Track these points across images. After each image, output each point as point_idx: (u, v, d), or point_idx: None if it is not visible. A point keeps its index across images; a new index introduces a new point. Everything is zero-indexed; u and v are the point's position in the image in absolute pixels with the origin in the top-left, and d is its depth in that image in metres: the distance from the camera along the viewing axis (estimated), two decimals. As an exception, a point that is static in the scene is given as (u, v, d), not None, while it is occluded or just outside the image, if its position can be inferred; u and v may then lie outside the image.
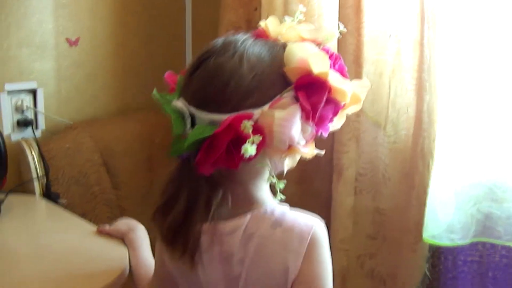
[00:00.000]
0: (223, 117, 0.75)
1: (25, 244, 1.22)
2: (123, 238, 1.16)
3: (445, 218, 1.46)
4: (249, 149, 0.72)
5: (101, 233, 1.20)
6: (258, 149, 0.73)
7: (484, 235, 1.49)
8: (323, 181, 1.49)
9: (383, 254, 1.56)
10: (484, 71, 1.41)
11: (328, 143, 1.51)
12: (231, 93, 0.77)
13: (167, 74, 0.89)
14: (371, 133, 1.48)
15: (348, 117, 0.88)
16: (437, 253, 1.66)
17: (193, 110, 0.78)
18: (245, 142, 0.72)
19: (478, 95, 1.43)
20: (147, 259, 1.11)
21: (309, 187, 1.58)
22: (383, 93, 1.45)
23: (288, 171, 0.85)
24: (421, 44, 1.40)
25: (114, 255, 1.12)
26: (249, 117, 0.74)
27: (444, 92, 1.43)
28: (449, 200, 1.46)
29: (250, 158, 0.73)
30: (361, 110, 1.43)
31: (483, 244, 1.61)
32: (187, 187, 0.82)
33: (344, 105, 0.81)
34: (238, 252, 0.82)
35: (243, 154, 0.72)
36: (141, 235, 1.16)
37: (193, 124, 0.79)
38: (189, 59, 1.95)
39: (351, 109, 0.85)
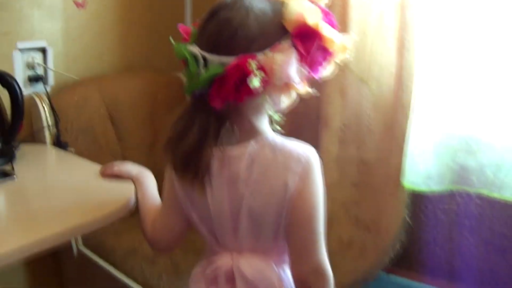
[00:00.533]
0: (232, 59, 0.90)
1: (39, 183, 1.37)
2: (131, 178, 1.28)
3: (423, 167, 1.61)
4: (254, 81, 0.87)
5: (108, 174, 1.32)
6: (262, 85, 0.88)
7: (458, 184, 1.63)
8: (311, 132, 1.63)
9: (366, 201, 1.71)
10: (461, 29, 1.53)
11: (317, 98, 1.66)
12: (239, 39, 0.90)
13: (180, 26, 1.02)
14: (355, 88, 1.62)
15: (333, 72, 1.02)
16: (417, 203, 1.81)
17: (206, 54, 0.92)
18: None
19: (455, 52, 1.55)
20: (155, 195, 1.23)
21: (298, 137, 1.73)
22: (366, 52, 1.58)
23: (280, 124, 1.02)
24: (403, 6, 1.53)
25: (121, 188, 1.25)
26: (253, 58, 0.89)
27: (423, 50, 1.56)
28: (428, 150, 1.60)
29: (254, 93, 0.89)
30: (346, 66, 1.58)
31: (460, 194, 1.75)
32: (198, 119, 0.95)
33: (332, 52, 0.95)
34: (243, 174, 0.96)
35: (248, 89, 0.87)
36: (149, 176, 1.29)
37: (205, 66, 0.94)
38: (188, 21, 2.07)
39: (339, 57, 0.98)
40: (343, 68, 1.53)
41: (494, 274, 1.78)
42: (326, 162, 1.65)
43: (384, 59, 1.60)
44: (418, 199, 1.80)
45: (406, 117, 1.59)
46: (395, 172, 1.63)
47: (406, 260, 1.86)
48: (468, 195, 1.73)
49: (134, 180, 1.26)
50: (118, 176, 1.30)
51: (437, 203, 1.79)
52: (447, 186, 1.64)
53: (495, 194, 1.57)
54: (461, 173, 1.61)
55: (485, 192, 1.60)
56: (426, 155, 1.60)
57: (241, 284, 1.01)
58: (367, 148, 1.68)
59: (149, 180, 1.27)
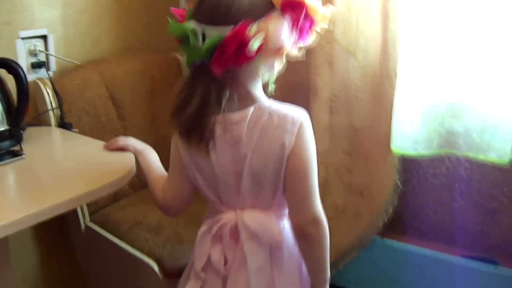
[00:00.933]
0: (230, 28, 1.00)
1: (46, 160, 1.46)
2: (135, 152, 1.37)
3: (411, 132, 1.69)
4: (255, 44, 0.97)
5: (112, 148, 1.40)
6: (258, 50, 0.99)
7: (446, 147, 1.71)
8: (302, 103, 1.70)
9: (358, 167, 1.80)
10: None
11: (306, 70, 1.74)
12: (235, 11, 1.01)
13: (173, 9, 1.12)
14: (343, 59, 1.70)
15: (321, 44, 1.12)
16: (408, 169, 1.90)
17: (204, 27, 1.03)
18: (247, 44, 0.98)
19: (437, 21, 1.62)
20: (160, 166, 1.33)
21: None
22: (352, 24, 1.66)
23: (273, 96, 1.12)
24: (385, -21, 1.61)
25: (123, 159, 1.35)
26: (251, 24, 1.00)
27: (407, 20, 1.64)
28: (415, 116, 1.69)
29: (252, 57, 0.99)
30: (333, 38, 1.66)
31: (449, 158, 1.84)
32: (200, 88, 1.05)
33: (316, 21, 1.06)
34: (245, 137, 1.07)
35: (246, 54, 0.98)
36: (152, 150, 1.38)
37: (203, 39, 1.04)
38: (183, 2, 2.14)
39: (320, 25, 1.08)
40: (330, 41, 1.61)
41: (484, 235, 1.87)
42: (318, 130, 1.73)
43: (369, 30, 1.68)
44: (409, 164, 1.89)
45: (392, 85, 1.67)
46: (385, 138, 1.72)
47: (399, 224, 1.95)
48: (457, 159, 1.82)
49: (138, 153, 1.35)
50: (123, 150, 1.39)
51: (427, 167, 1.88)
52: (434, 150, 1.72)
53: (481, 156, 1.65)
54: (448, 137, 1.70)
55: (471, 155, 1.68)
56: (413, 121, 1.68)
57: (246, 237, 1.12)
58: (356, 117, 1.77)
59: (153, 154, 1.36)
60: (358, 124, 1.78)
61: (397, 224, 1.94)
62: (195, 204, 1.77)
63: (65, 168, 1.39)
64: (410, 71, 1.66)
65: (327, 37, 1.65)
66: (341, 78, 1.71)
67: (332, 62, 1.71)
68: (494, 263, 1.83)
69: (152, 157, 1.35)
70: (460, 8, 1.59)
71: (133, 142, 1.40)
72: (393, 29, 1.63)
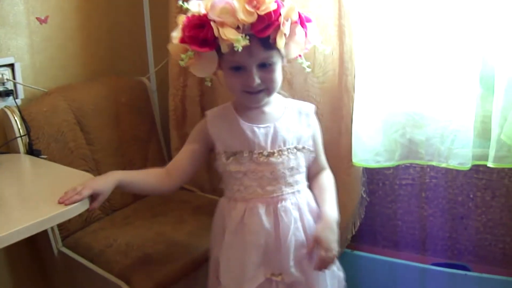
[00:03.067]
0: None
1: (14, 186, 1.55)
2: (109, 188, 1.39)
3: (371, 144, 1.80)
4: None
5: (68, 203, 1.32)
6: None
7: (408, 157, 1.82)
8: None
9: (323, 181, 1.91)
10: (396, 11, 1.72)
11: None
12: None
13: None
14: (302, 76, 1.83)
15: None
16: (375, 180, 2.02)
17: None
18: None
19: (393, 33, 1.73)
20: (136, 171, 1.50)
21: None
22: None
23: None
24: (339, -5, 1.74)
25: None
26: None
27: (363, 34, 1.76)
28: (376, 128, 1.80)
29: None
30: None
31: (414, 167, 1.95)
32: None
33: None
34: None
35: None
36: (115, 172, 1.45)
37: None
38: (148, 25, 2.25)
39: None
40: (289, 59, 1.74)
41: (454, 241, 1.98)
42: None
43: (326, 45, 1.75)
44: (374, 176, 2.01)
45: (350, 98, 1.80)
46: (347, 152, 1.83)
47: (370, 235, 2.06)
48: (422, 167, 1.94)
49: (111, 186, 1.39)
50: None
51: (393, 178, 2.00)
52: (397, 161, 1.83)
53: (443, 164, 1.75)
54: (409, 147, 1.80)
55: (434, 163, 1.78)
56: (374, 133, 1.80)
57: None
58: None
59: (120, 173, 1.45)
60: (320, 140, 1.88)
61: (366, 236, 2.05)
62: (161, 225, 1.91)
63: (33, 193, 1.48)
64: (368, 84, 1.78)
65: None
66: (301, 94, 1.83)
67: (291, 80, 1.85)
68: (465, 268, 1.95)
69: (123, 174, 1.44)
70: (415, 17, 1.70)
71: (94, 183, 1.38)
72: (349, 44, 1.76)
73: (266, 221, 1.40)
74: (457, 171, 1.85)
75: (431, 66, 1.73)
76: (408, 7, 1.71)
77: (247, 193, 1.43)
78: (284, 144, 1.43)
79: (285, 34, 1.31)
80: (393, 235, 2.07)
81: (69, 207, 1.29)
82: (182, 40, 1.33)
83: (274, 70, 1.37)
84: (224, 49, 1.30)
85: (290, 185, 1.44)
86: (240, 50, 1.26)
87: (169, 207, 2.05)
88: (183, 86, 2.11)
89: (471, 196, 1.92)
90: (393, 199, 2.03)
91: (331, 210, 1.45)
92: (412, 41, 1.73)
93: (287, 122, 1.45)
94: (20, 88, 1.96)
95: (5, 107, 1.87)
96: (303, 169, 1.48)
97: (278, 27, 1.30)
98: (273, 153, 1.41)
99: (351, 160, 1.84)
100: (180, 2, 1.35)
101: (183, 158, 1.49)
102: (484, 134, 1.74)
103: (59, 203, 1.31)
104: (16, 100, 1.93)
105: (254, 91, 1.38)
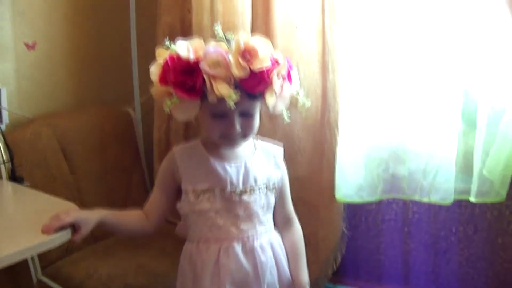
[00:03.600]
0: None
1: None
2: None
3: (354, 179, 1.83)
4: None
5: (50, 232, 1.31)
6: None
7: (390, 192, 1.86)
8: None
9: (304, 217, 1.88)
10: (380, 48, 1.77)
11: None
12: None
13: None
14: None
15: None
16: (357, 215, 2.04)
17: None
18: None
19: (376, 71, 1.78)
20: (115, 212, 1.44)
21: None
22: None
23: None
24: (323, 32, 1.78)
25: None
26: None
27: (345, 71, 1.80)
28: (357, 163, 1.83)
29: None
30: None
31: (397, 203, 1.99)
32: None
33: None
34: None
35: None
36: (100, 211, 1.43)
37: None
38: (134, 56, 2.28)
39: None
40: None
41: (437, 275, 2.01)
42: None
43: (310, 82, 1.84)
44: (357, 211, 2.04)
45: (333, 134, 1.83)
46: (328, 187, 1.86)
47: (352, 269, 2.08)
48: (405, 202, 1.97)
49: (97, 221, 1.37)
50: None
51: (376, 213, 2.03)
52: (379, 196, 1.86)
53: (425, 199, 1.80)
54: (392, 182, 1.84)
55: (416, 198, 1.82)
56: (356, 168, 1.83)
57: None
58: (299, 167, 1.91)
59: (105, 212, 1.42)
60: (301, 174, 1.90)
61: (349, 270, 2.07)
62: (143, 257, 1.91)
63: (13, 222, 1.48)
64: (351, 120, 1.82)
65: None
66: (283, 129, 1.86)
67: (273, 115, 1.87)
68: (448, 302, 1.96)
69: (105, 214, 1.41)
70: (398, 53, 1.76)
71: (77, 213, 1.38)
72: (332, 80, 1.80)
73: (244, 260, 1.39)
74: (440, 206, 1.87)
75: (413, 101, 1.77)
76: (391, 43, 1.77)
77: (221, 233, 1.39)
78: (256, 183, 1.41)
79: (275, 92, 1.32)
80: (376, 269, 2.09)
81: (51, 236, 1.30)
82: (164, 80, 1.30)
83: (254, 118, 1.36)
84: (212, 100, 1.26)
85: (262, 223, 1.43)
86: (232, 107, 1.25)
87: (152, 239, 2.04)
88: (168, 119, 2.12)
89: (454, 230, 1.96)
90: (376, 234, 2.05)
91: (304, 277, 1.49)
92: (395, 77, 1.78)
93: (257, 161, 1.44)
94: (4, 114, 1.97)
95: (-11, 131, 1.88)
96: (272, 207, 1.48)
97: (270, 84, 1.30)
98: (245, 191, 1.40)
99: (332, 195, 1.87)
100: (167, 43, 1.31)
101: (158, 200, 1.46)
102: (466, 169, 1.78)
103: (43, 232, 1.30)
104: (0, 125, 1.93)
105: (232, 137, 1.37)
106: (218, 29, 1.32)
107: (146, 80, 1.33)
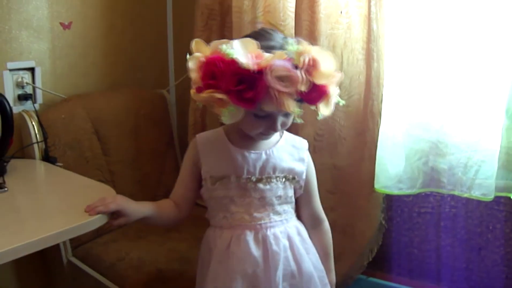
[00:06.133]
0: None
1: (29, 194, 1.49)
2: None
3: (394, 171, 1.74)
4: None
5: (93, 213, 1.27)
6: None
7: (430, 186, 1.75)
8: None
9: (341, 206, 1.84)
10: (426, 37, 1.67)
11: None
12: None
13: None
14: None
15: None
16: (393, 207, 1.95)
17: None
18: None
19: (421, 61, 1.68)
20: (153, 204, 1.38)
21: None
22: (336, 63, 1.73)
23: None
24: (369, 19, 1.68)
25: (106, 195, 1.34)
26: None
27: (390, 60, 1.71)
28: (398, 155, 1.74)
29: None
30: (316, 78, 1.72)
31: (434, 196, 1.89)
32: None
33: None
34: None
35: None
36: (141, 205, 1.35)
37: None
38: (170, 38, 2.22)
39: None
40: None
41: (470, 272, 1.91)
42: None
43: (353, 69, 1.75)
44: (393, 202, 1.94)
45: (376, 124, 1.73)
46: (368, 178, 1.77)
47: (384, 262, 1.99)
48: (442, 196, 1.87)
49: (143, 216, 1.34)
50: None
51: (412, 206, 1.93)
52: (419, 189, 1.76)
53: (466, 195, 1.69)
54: (432, 175, 1.74)
55: (456, 193, 1.72)
56: (397, 159, 1.73)
57: None
58: (340, 156, 1.82)
59: (152, 207, 1.37)
60: (341, 164, 1.83)
61: (382, 263, 1.98)
62: (174, 242, 1.83)
63: (47, 203, 1.42)
64: (393, 109, 1.72)
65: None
66: (324, 118, 1.76)
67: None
68: (480, 301, 1.87)
69: (157, 210, 1.37)
70: (445, 45, 1.65)
71: (125, 203, 1.32)
72: (377, 68, 1.70)
73: (254, 249, 1.32)
74: (478, 201, 1.78)
75: (458, 94, 1.68)
76: (437, 33, 1.66)
77: (234, 220, 1.35)
78: (274, 172, 1.35)
79: (330, 102, 1.25)
80: (408, 263, 2.00)
81: (86, 220, 1.23)
82: (210, 83, 1.18)
83: (292, 116, 1.29)
84: (269, 109, 1.19)
85: (278, 213, 1.37)
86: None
87: (183, 224, 1.96)
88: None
89: (490, 227, 1.85)
90: (410, 227, 1.96)
91: (331, 277, 1.48)
92: (441, 69, 1.68)
93: (280, 152, 1.38)
94: (39, 93, 1.93)
95: (23, 111, 1.84)
96: (292, 200, 1.41)
97: (328, 96, 1.23)
98: (261, 179, 1.34)
99: (372, 186, 1.77)
100: (224, 47, 1.16)
101: (185, 187, 1.41)
102: (508, 165, 1.69)
103: (86, 211, 1.26)
104: (35, 104, 1.89)
105: (271, 134, 1.33)
106: (292, 43, 1.20)
107: (181, 62, 1.23)
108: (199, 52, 1.22)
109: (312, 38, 1.71)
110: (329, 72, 1.20)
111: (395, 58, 1.71)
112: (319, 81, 1.18)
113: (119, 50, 2.18)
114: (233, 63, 1.14)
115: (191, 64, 1.22)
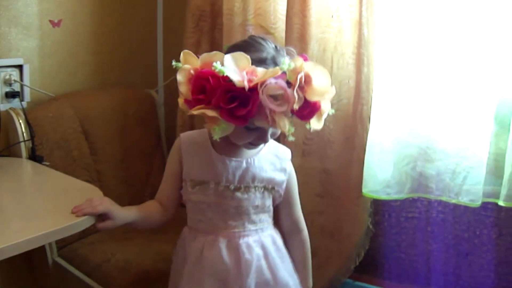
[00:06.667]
0: None
1: (14, 193, 1.47)
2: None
3: (383, 175, 1.74)
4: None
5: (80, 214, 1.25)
6: None
7: (418, 191, 1.76)
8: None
9: (330, 210, 1.84)
10: (415, 43, 1.67)
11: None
12: None
13: None
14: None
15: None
16: (381, 211, 1.95)
17: None
18: None
19: (411, 67, 1.68)
20: (137, 207, 1.37)
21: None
22: (326, 67, 1.67)
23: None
24: (360, 23, 1.67)
25: (93, 196, 1.33)
26: None
27: (380, 64, 1.70)
28: (386, 160, 1.73)
29: None
30: (305, 82, 1.71)
31: (421, 201, 1.89)
32: None
33: None
34: None
35: None
36: (125, 209, 1.34)
37: None
38: (160, 38, 2.20)
39: None
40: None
41: (457, 277, 1.91)
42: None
43: (343, 73, 1.74)
44: (381, 207, 1.94)
45: (365, 128, 1.73)
46: (356, 182, 1.76)
47: (371, 266, 1.98)
48: (430, 201, 1.87)
49: (129, 221, 1.34)
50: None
51: (399, 210, 1.93)
52: (407, 194, 1.76)
53: (454, 200, 1.70)
54: (420, 181, 1.74)
55: (444, 198, 1.72)
56: (385, 164, 1.73)
57: None
58: (328, 160, 1.81)
59: (129, 211, 1.35)
60: (330, 168, 1.82)
61: (369, 267, 1.97)
62: (161, 243, 1.81)
63: (33, 203, 1.40)
64: (381, 115, 1.72)
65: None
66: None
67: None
68: (466, 306, 1.87)
69: (141, 214, 1.36)
70: (435, 51, 1.65)
71: (112, 206, 1.31)
72: (367, 73, 1.69)
73: (226, 256, 1.32)
74: (465, 207, 1.77)
75: (447, 100, 1.68)
76: (428, 39, 1.66)
77: (209, 225, 1.35)
78: (253, 181, 1.34)
79: (322, 117, 1.23)
80: (396, 268, 2.00)
81: (73, 221, 1.22)
82: (200, 98, 1.15)
83: None
84: (261, 125, 1.18)
85: (253, 222, 1.36)
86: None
87: (169, 225, 1.94)
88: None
89: (477, 233, 1.86)
90: (397, 231, 1.96)
91: (308, 285, 1.48)
92: (429, 74, 1.68)
93: (261, 161, 1.36)
94: (27, 91, 1.90)
95: (10, 108, 1.81)
96: (269, 209, 1.40)
97: (320, 111, 1.21)
98: (240, 188, 1.32)
99: (360, 190, 1.77)
100: (218, 65, 1.12)
101: (170, 187, 1.40)
102: (496, 172, 1.68)
103: (73, 212, 1.24)
104: (22, 102, 1.86)
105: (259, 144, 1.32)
106: (285, 60, 1.16)
107: (170, 63, 1.21)
108: (188, 64, 1.19)
109: (303, 42, 1.71)
110: (323, 89, 1.18)
111: (385, 63, 1.71)
112: (312, 98, 1.17)
113: (108, 49, 2.15)
114: (224, 79, 1.13)
115: (180, 77, 1.19)
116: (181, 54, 1.20)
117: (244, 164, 1.32)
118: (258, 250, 1.34)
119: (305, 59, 1.21)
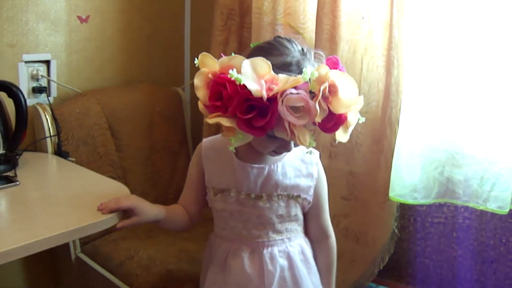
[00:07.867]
0: None
1: (40, 189, 1.45)
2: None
3: (410, 180, 1.70)
4: None
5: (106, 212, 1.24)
6: None
7: (445, 196, 1.71)
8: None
9: (355, 213, 1.80)
10: (446, 46, 1.62)
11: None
12: None
13: None
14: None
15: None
16: (406, 216, 1.91)
17: None
18: None
19: (441, 70, 1.64)
20: (163, 208, 1.32)
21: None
22: (356, 69, 1.69)
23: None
24: (390, 25, 1.63)
25: (119, 194, 1.33)
26: None
27: (410, 67, 1.66)
28: (414, 164, 1.69)
29: None
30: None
31: (448, 206, 1.85)
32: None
33: None
34: None
35: None
36: (152, 207, 1.29)
37: None
38: (187, 36, 2.18)
39: None
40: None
41: (482, 285, 1.86)
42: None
43: (373, 76, 1.71)
44: (406, 211, 1.90)
45: (393, 132, 1.69)
46: (383, 186, 1.73)
47: (395, 271, 1.95)
48: (456, 207, 1.82)
49: (156, 219, 1.30)
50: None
51: (425, 215, 1.89)
52: (433, 199, 1.72)
53: (481, 207, 1.65)
54: (447, 186, 1.70)
55: (471, 204, 1.68)
56: (413, 168, 1.69)
57: None
58: (356, 162, 1.78)
59: (165, 211, 1.32)
60: (357, 170, 1.79)
61: (392, 271, 1.94)
62: (185, 242, 1.79)
63: (59, 199, 1.37)
64: (411, 118, 1.68)
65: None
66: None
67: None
68: (489, 314, 1.83)
69: (170, 214, 1.32)
70: (463, 55, 1.61)
71: (138, 202, 1.28)
72: (397, 75, 1.65)
73: (248, 266, 1.28)
74: (492, 214, 1.73)
75: (477, 105, 1.63)
76: (459, 43, 1.62)
77: (232, 234, 1.31)
78: (276, 190, 1.27)
79: (349, 129, 1.13)
80: (419, 273, 1.95)
81: (98, 219, 1.20)
82: (218, 105, 1.07)
83: None
84: (281, 136, 1.08)
85: (278, 231, 1.30)
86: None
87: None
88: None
89: (504, 240, 1.81)
90: (423, 236, 1.92)
91: None
92: (460, 78, 1.64)
93: (285, 167, 1.28)
94: (53, 86, 1.90)
95: (37, 104, 1.81)
96: (297, 217, 1.33)
97: (346, 123, 1.11)
98: (261, 196, 1.26)
99: (387, 194, 1.73)
100: (235, 73, 1.03)
101: (193, 191, 1.35)
102: (525, 178, 1.64)
103: (99, 209, 1.23)
104: (49, 98, 1.86)
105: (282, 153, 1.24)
106: (307, 70, 1.06)
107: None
108: (206, 67, 1.10)
109: (333, 43, 1.68)
110: (349, 101, 1.08)
111: (415, 66, 1.67)
112: (338, 110, 1.07)
113: (135, 46, 2.14)
114: (242, 87, 1.04)
115: (198, 81, 1.10)
116: (199, 56, 1.12)
117: (266, 171, 1.26)
118: (282, 261, 1.30)
119: (336, 61, 1.15)
